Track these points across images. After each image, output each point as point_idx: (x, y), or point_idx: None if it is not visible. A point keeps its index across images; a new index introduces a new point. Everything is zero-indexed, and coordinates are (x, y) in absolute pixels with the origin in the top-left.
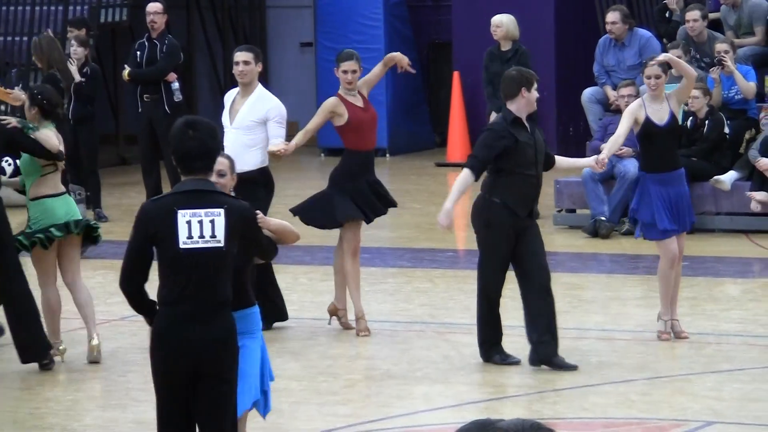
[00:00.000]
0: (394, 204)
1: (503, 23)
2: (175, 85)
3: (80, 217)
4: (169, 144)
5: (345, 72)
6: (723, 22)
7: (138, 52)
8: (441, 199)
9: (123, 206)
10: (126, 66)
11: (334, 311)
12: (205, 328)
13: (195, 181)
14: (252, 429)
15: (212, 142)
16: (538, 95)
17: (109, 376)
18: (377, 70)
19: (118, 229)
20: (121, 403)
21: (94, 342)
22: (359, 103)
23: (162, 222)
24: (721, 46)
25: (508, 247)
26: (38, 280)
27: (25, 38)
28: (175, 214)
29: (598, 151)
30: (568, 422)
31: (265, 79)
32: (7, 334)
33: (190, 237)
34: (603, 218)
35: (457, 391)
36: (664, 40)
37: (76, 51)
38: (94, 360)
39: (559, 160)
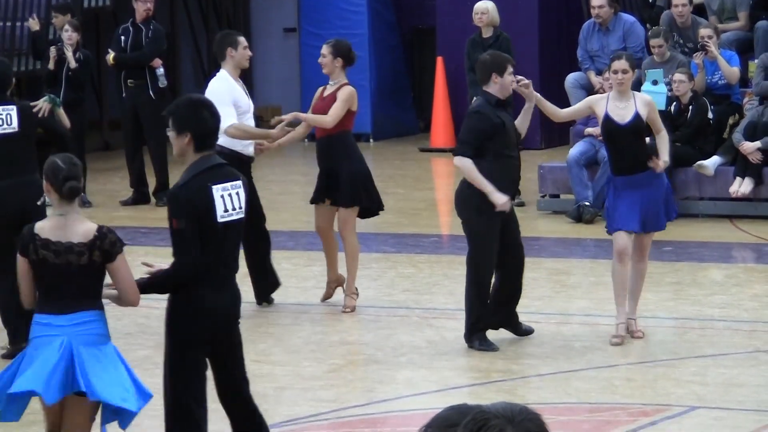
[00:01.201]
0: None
1: (489, 10)
2: (160, 70)
3: None
4: (182, 123)
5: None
6: (706, 7)
7: (122, 37)
8: (425, 185)
9: (107, 192)
10: (110, 50)
11: (341, 281)
12: (235, 296)
13: (210, 156)
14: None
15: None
16: (513, 79)
17: None
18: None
19: (101, 215)
20: None
21: None
22: (327, 92)
23: (201, 201)
24: (704, 32)
25: (498, 231)
26: None
27: (8, 24)
28: (210, 190)
29: (582, 136)
30: (552, 407)
31: (248, 65)
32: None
33: (225, 210)
34: (587, 203)
35: (441, 376)
36: (648, 25)
37: (71, 36)
38: None
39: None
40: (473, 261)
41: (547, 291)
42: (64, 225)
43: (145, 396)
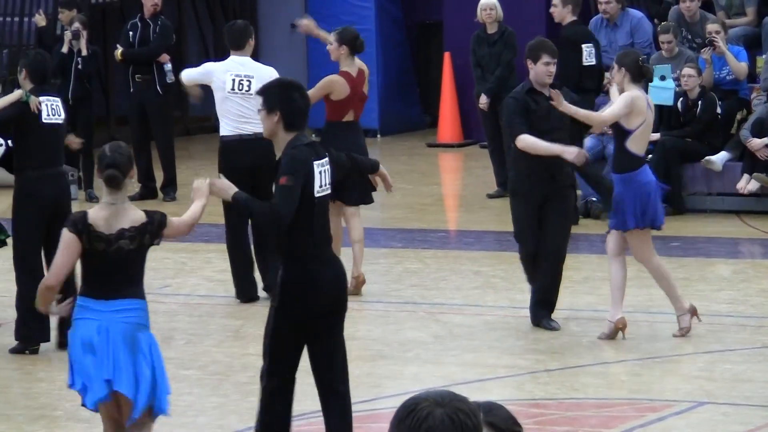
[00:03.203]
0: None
1: (496, 6)
2: (168, 66)
3: None
4: (272, 102)
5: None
6: (714, 3)
7: (130, 32)
8: (432, 180)
9: None
10: (118, 46)
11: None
12: (335, 270)
13: (302, 135)
14: (243, 409)
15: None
16: (548, 69)
17: None
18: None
19: None
20: None
21: None
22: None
23: (311, 169)
24: (712, 27)
25: (533, 213)
26: None
27: (15, 19)
28: (313, 164)
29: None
30: (560, 403)
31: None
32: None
33: (321, 186)
34: (594, 199)
35: (449, 371)
36: (656, 21)
37: (83, 33)
38: None
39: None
40: (516, 240)
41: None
42: (115, 213)
43: (163, 391)
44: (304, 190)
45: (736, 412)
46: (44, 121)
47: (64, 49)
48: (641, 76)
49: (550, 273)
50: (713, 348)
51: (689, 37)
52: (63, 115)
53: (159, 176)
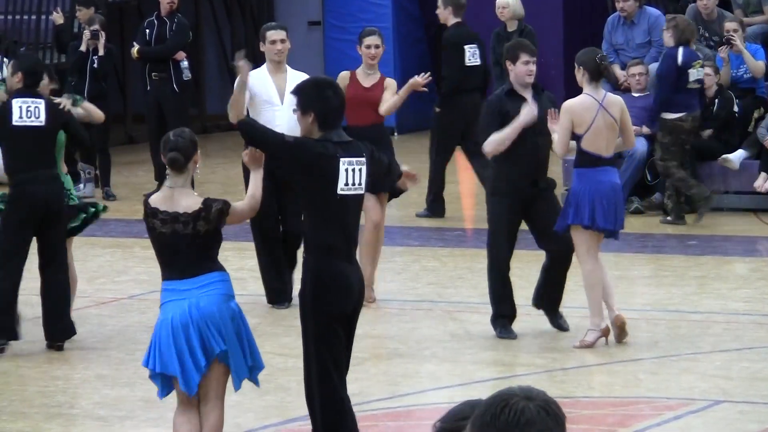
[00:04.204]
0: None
1: (509, 4)
2: (184, 63)
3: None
4: (306, 102)
5: (368, 47)
6: (732, 1)
7: (147, 30)
8: (449, 177)
9: (130, 185)
10: (135, 44)
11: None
12: (356, 267)
13: (338, 133)
14: (259, 407)
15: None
16: (527, 68)
17: (117, 354)
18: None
19: (125, 208)
20: (130, 382)
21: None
22: (368, 83)
23: (329, 164)
24: (729, 25)
25: (512, 217)
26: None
27: (33, 17)
28: (338, 161)
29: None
30: (576, 401)
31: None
32: (22, 311)
33: (346, 184)
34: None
35: (465, 369)
36: None
37: (101, 33)
38: None
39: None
40: (488, 243)
41: (570, 285)
42: (171, 196)
43: (256, 363)
44: (322, 186)
45: (753, 410)
46: (14, 124)
47: (83, 48)
48: (599, 75)
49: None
50: (730, 346)
51: (706, 35)
52: (43, 119)
53: None
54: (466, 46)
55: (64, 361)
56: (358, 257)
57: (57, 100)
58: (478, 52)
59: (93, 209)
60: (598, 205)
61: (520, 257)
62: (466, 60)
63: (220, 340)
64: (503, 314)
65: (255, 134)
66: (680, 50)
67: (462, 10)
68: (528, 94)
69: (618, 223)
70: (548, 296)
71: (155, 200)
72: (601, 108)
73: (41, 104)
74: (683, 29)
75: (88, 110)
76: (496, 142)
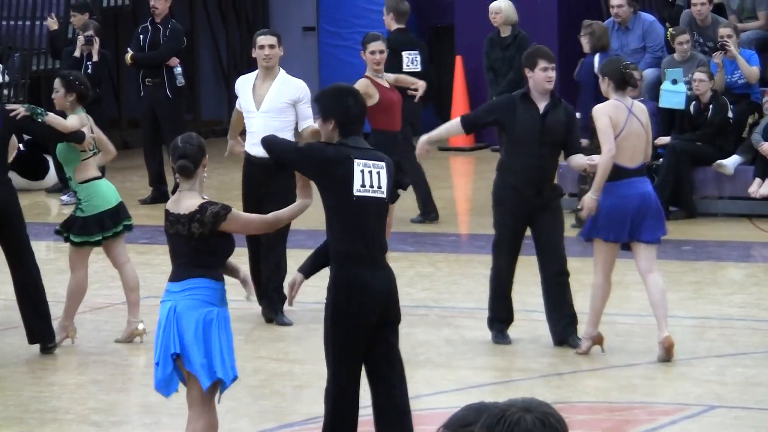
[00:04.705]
0: (403, 186)
1: (502, 9)
2: (178, 69)
3: (121, 199)
4: (327, 109)
5: (373, 53)
6: (726, 6)
7: (141, 36)
8: (443, 183)
9: (126, 190)
10: (129, 49)
11: None
12: (383, 273)
13: (355, 139)
14: (254, 412)
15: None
16: (546, 75)
17: (113, 360)
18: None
19: None
20: (125, 387)
21: (141, 327)
22: (386, 84)
23: (342, 165)
24: (724, 31)
25: (516, 226)
26: (72, 263)
27: (27, 22)
28: (352, 162)
29: None
30: (571, 406)
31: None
32: (15, 316)
33: (362, 185)
34: None
35: (460, 375)
36: (667, 24)
37: (96, 39)
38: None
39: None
40: (492, 246)
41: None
42: (178, 199)
43: (229, 371)
44: (337, 188)
45: (748, 415)
46: None
47: (77, 53)
48: (625, 84)
49: (565, 289)
50: (725, 352)
51: (701, 40)
52: None
53: (170, 180)
54: (404, 53)
55: (59, 366)
56: None
57: (11, 106)
58: (419, 58)
59: (113, 230)
60: (622, 220)
61: (518, 260)
62: (404, 66)
63: (177, 343)
64: (499, 318)
65: (274, 148)
66: (596, 57)
67: (404, 17)
68: (543, 103)
69: (645, 233)
70: (561, 324)
71: (169, 202)
72: (630, 113)
73: None
74: (599, 36)
75: (52, 123)
76: (443, 129)
